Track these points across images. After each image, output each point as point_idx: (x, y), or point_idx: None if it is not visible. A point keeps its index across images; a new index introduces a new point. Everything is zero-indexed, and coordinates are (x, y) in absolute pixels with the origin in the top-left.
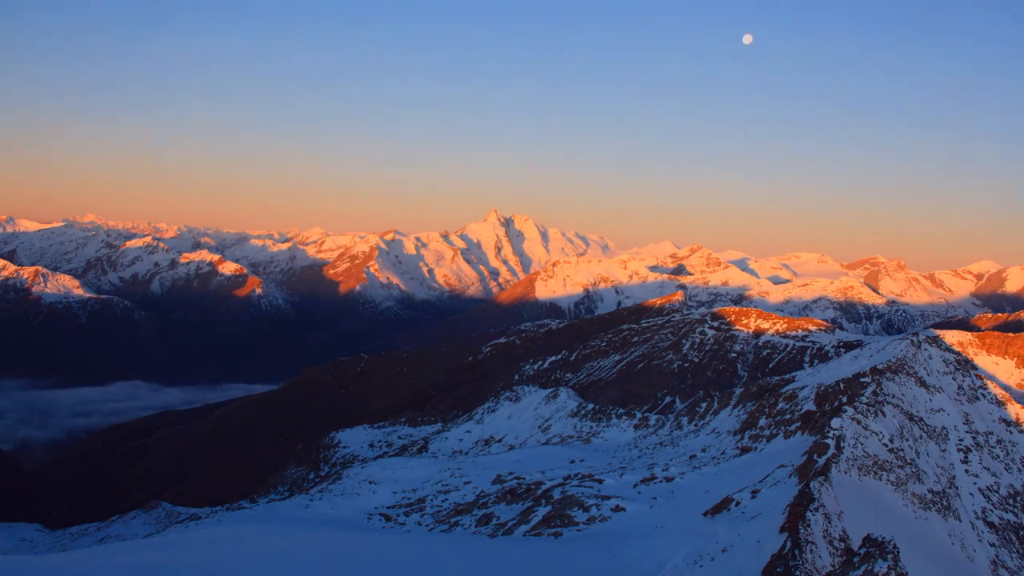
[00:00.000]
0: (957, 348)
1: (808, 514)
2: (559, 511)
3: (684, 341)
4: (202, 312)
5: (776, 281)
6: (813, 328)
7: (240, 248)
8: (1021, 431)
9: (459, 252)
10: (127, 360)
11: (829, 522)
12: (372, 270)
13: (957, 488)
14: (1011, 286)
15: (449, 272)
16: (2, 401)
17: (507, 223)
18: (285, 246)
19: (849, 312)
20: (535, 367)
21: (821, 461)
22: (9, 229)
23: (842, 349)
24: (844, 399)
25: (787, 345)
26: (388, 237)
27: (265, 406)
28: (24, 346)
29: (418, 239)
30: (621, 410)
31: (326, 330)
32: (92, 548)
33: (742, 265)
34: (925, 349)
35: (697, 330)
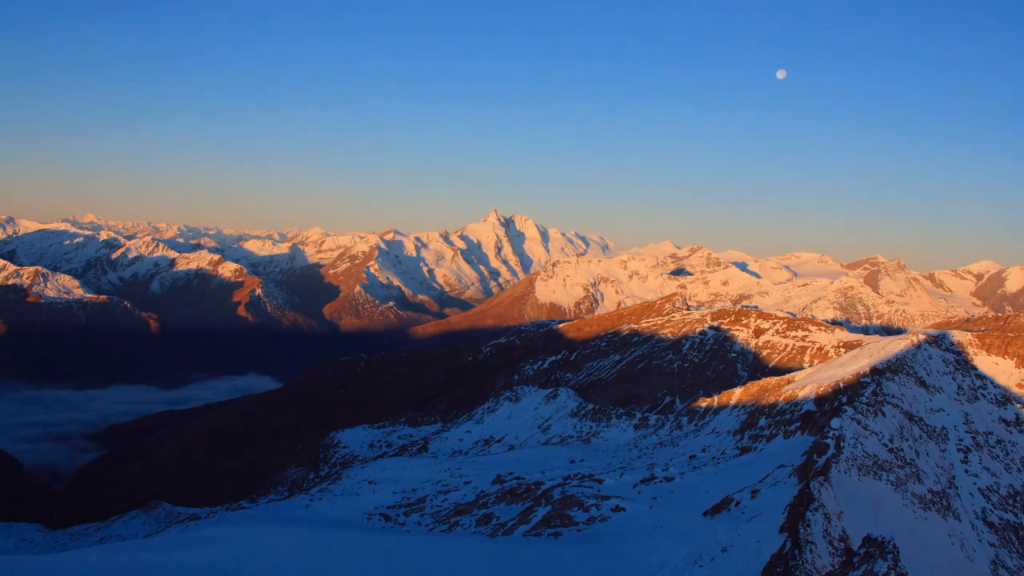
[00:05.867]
0: (957, 348)
1: (808, 514)
2: (559, 511)
3: (684, 341)
4: (202, 312)
5: (776, 282)
6: (813, 328)
7: (240, 248)
8: (1021, 431)
9: (459, 252)
10: (127, 360)
11: (829, 522)
12: (372, 270)
13: (957, 488)
14: (1011, 286)
15: (449, 272)
16: (2, 401)
17: (507, 223)
18: (285, 246)
19: (849, 312)
20: (535, 367)
21: (821, 461)
22: (9, 229)
23: (842, 349)
24: (844, 399)
25: (787, 345)
26: (388, 237)
27: (265, 406)
28: (24, 346)
29: (418, 239)
30: (621, 410)
31: (326, 330)
32: (92, 548)
33: (742, 266)
34: (925, 349)
35: (697, 330)
